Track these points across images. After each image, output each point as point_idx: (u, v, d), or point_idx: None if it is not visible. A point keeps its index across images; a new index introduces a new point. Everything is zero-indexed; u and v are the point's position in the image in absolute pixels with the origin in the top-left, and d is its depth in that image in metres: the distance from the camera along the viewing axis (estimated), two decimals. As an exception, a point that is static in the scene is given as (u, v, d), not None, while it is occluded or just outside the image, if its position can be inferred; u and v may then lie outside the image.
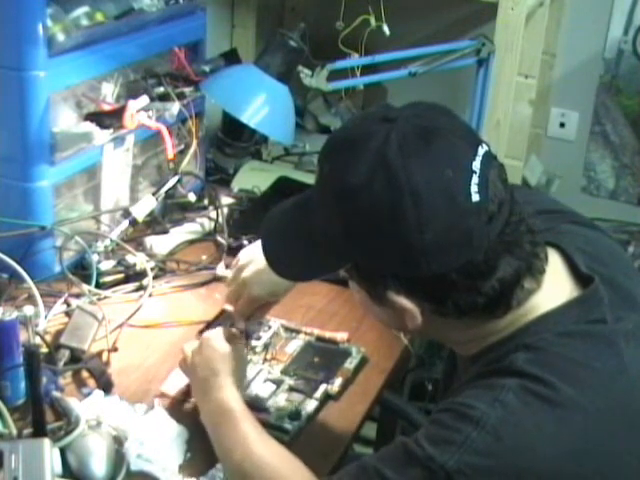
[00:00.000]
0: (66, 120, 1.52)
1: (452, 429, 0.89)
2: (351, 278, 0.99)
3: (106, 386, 1.29)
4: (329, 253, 0.96)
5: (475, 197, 0.88)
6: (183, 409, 1.27)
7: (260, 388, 1.32)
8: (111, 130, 1.57)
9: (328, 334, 1.46)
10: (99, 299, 1.50)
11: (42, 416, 1.12)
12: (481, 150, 0.91)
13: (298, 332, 1.47)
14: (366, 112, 0.99)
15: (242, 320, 1.30)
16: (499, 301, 0.93)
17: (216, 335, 1.23)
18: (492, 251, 0.90)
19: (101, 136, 1.56)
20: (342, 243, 0.93)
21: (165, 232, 1.73)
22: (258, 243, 1.28)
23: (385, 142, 0.89)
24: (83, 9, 1.51)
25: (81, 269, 1.57)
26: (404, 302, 0.93)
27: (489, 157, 0.92)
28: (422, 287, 0.92)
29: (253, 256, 1.29)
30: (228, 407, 1.15)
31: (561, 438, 0.88)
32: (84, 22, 1.51)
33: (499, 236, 0.90)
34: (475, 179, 0.88)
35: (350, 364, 1.39)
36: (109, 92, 1.61)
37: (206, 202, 1.84)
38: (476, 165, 0.89)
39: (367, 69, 1.80)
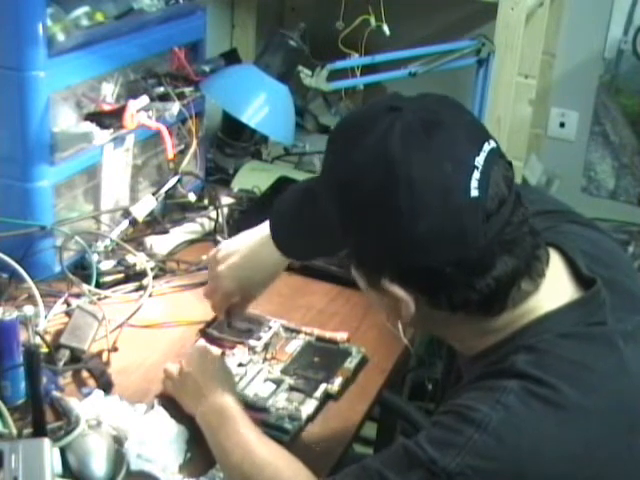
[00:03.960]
0: (66, 120, 1.52)
1: (454, 431, 0.89)
2: (349, 262, 0.99)
3: (106, 386, 1.29)
4: (328, 235, 0.96)
5: (474, 192, 0.87)
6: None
7: (260, 388, 1.32)
8: (111, 130, 1.57)
9: (328, 334, 1.46)
10: (99, 299, 1.50)
11: (42, 416, 1.11)
12: (487, 146, 0.90)
13: (298, 332, 1.47)
14: (376, 100, 1.00)
15: (221, 314, 1.35)
16: (494, 299, 0.92)
17: (205, 345, 1.33)
18: (489, 249, 0.89)
19: (101, 136, 1.56)
20: (340, 227, 0.94)
21: (165, 232, 1.73)
22: (238, 237, 1.32)
23: (388, 131, 0.90)
24: (83, 9, 1.51)
25: (81, 269, 1.57)
26: (398, 291, 0.93)
27: (495, 154, 0.91)
28: (415, 278, 0.92)
29: (231, 250, 1.30)
30: (227, 409, 1.15)
31: (563, 440, 0.88)
32: (84, 22, 1.51)
33: (497, 235, 0.89)
34: (476, 174, 0.88)
35: (350, 364, 1.39)
36: (109, 92, 1.61)
37: (206, 202, 1.84)
38: (479, 161, 0.88)
39: (367, 69, 1.80)
